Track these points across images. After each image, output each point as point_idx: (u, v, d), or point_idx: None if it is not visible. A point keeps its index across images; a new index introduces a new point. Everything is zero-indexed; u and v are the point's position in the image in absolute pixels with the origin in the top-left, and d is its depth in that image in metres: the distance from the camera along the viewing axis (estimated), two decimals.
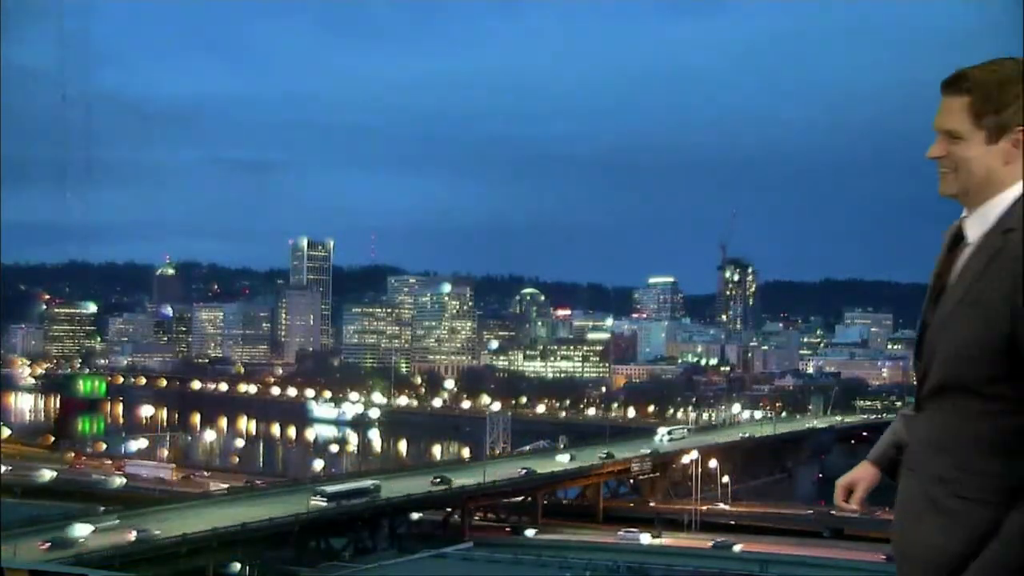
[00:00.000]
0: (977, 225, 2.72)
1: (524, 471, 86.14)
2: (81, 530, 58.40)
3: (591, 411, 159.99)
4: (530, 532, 77.93)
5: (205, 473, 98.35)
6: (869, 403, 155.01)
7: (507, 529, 79.88)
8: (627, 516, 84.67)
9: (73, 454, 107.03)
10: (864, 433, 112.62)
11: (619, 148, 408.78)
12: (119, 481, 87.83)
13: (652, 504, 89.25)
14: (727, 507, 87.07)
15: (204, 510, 67.40)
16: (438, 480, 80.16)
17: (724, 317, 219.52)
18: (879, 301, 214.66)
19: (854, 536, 70.24)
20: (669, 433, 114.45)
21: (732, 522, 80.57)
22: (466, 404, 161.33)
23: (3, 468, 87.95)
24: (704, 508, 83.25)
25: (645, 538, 74.28)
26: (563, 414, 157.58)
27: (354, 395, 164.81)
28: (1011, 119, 2.63)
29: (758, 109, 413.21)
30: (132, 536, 58.70)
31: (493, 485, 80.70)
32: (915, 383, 2.87)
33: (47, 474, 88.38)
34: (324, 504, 69.43)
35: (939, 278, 2.80)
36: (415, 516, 78.38)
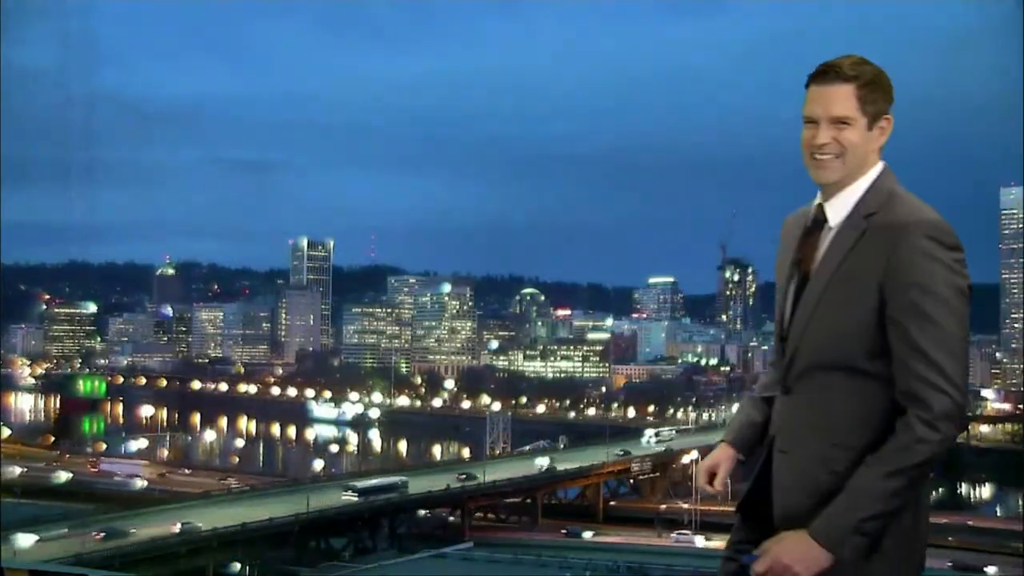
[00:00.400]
0: (838, 210, 2.89)
1: (546, 466, 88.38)
2: (24, 540, 55.63)
3: (591, 411, 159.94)
4: (587, 534, 76.81)
5: (185, 471, 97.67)
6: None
7: (563, 532, 77.99)
8: (627, 516, 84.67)
9: (57, 452, 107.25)
10: None
11: (619, 148, 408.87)
12: (141, 483, 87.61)
13: (650, 504, 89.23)
14: (727, 507, 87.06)
15: (204, 510, 67.44)
16: (464, 476, 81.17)
17: (724, 317, 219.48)
18: None
19: None
20: (656, 435, 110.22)
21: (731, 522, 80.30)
22: (466, 404, 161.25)
23: (18, 470, 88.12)
24: (705, 508, 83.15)
25: (699, 540, 73.41)
26: (564, 414, 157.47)
27: (354, 395, 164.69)
28: (882, 107, 2.87)
29: (758, 109, 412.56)
30: (176, 528, 60.04)
31: (493, 485, 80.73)
32: (782, 367, 2.96)
33: (62, 475, 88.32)
34: (355, 499, 71.32)
35: (800, 264, 2.95)
36: (420, 514, 78.49)
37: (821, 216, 2.94)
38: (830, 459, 2.79)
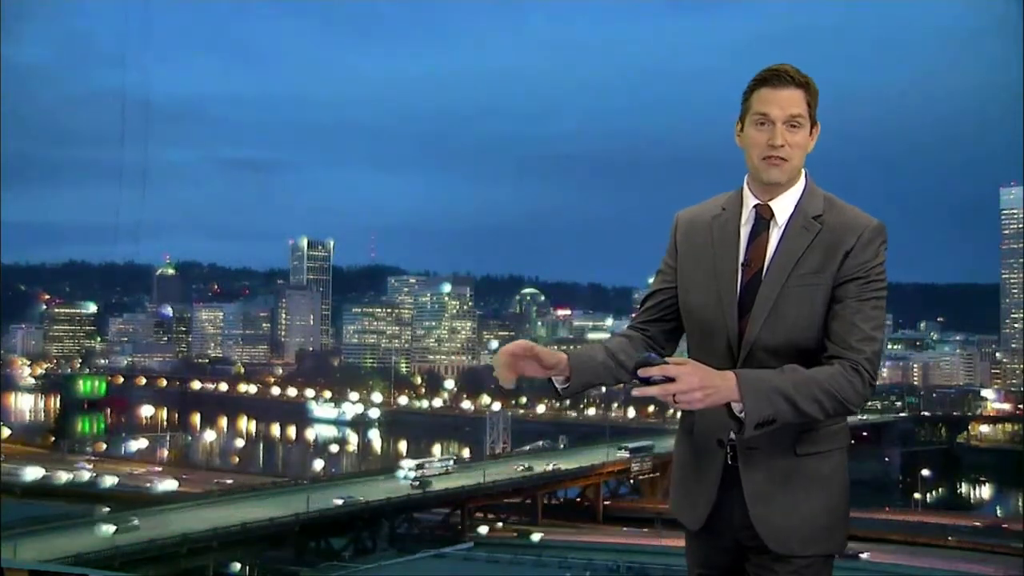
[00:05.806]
0: (783, 210, 3.10)
1: (628, 450, 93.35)
2: None
3: (591, 411, 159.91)
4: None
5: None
6: (869, 403, 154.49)
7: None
8: (627, 516, 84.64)
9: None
10: (864, 433, 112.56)
11: (619, 148, 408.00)
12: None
13: (650, 504, 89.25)
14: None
15: (204, 510, 67.39)
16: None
17: None
18: None
19: (856, 536, 70.22)
20: (418, 467, 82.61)
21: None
22: (466, 404, 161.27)
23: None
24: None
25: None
26: (564, 414, 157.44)
27: (354, 395, 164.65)
28: (815, 115, 3.08)
29: None
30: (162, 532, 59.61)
31: (493, 485, 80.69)
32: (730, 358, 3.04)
33: (32, 474, 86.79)
34: (627, 456, 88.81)
35: (750, 264, 3.07)
36: (416, 516, 78.27)
37: (766, 215, 3.11)
38: (800, 442, 3.03)
